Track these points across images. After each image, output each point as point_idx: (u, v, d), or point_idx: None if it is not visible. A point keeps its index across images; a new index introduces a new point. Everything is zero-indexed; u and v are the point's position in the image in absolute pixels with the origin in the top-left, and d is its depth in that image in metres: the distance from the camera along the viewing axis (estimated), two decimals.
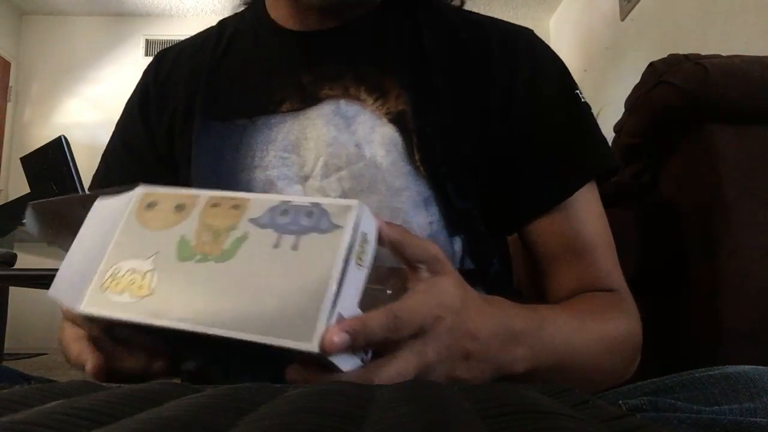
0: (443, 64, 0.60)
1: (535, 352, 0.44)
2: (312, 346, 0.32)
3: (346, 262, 0.34)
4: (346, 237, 0.34)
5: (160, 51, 0.73)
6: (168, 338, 0.37)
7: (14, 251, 2.45)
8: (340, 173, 0.57)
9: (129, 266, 0.38)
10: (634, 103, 1.13)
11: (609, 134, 1.31)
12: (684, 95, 1.01)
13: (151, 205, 0.41)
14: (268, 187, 0.59)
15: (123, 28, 5.44)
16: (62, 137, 1.79)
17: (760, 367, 0.38)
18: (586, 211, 0.58)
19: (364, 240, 0.35)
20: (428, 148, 0.57)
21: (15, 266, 2.46)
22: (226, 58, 0.67)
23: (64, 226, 0.46)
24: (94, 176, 0.74)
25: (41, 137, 4.23)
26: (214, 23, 0.71)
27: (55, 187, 1.74)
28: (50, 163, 1.79)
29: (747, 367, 0.38)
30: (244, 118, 0.62)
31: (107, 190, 0.45)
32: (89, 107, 5.37)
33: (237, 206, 0.38)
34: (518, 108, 0.59)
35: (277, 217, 0.36)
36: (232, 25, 0.69)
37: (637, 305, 0.59)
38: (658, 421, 0.35)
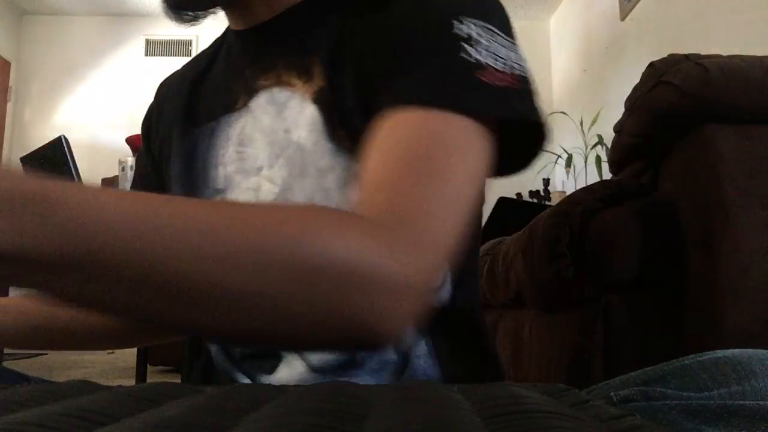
0: (359, 42, 0.57)
1: (23, 227, 0.31)
2: None
3: None
4: None
5: (167, 77, 0.78)
6: None
7: None
8: (279, 161, 0.59)
9: None
10: (634, 103, 1.13)
11: (609, 134, 1.31)
12: (684, 95, 1.01)
13: None
14: (229, 182, 0.62)
15: (123, 28, 5.44)
16: (62, 137, 1.79)
17: (748, 349, 0.38)
18: (400, 133, 0.47)
19: None
20: (350, 124, 0.55)
21: None
22: (209, 70, 0.70)
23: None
24: None
25: (41, 137, 4.22)
26: (213, 23, 0.73)
27: None
28: (50, 163, 1.78)
29: (736, 351, 0.38)
30: (213, 121, 0.65)
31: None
32: (89, 107, 5.37)
33: None
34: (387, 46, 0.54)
35: None
36: (219, 40, 0.73)
37: (637, 304, 0.57)
38: (648, 410, 0.36)
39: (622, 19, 4.12)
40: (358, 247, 0.38)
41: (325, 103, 0.57)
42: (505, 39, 0.53)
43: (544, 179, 4.80)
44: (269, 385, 0.31)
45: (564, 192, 4.62)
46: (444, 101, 0.48)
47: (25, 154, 2.03)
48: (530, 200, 4.59)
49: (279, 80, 0.60)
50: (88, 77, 5.42)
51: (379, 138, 0.47)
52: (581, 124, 4.48)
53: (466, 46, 0.50)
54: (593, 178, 4.06)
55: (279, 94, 0.60)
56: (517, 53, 0.53)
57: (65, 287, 0.33)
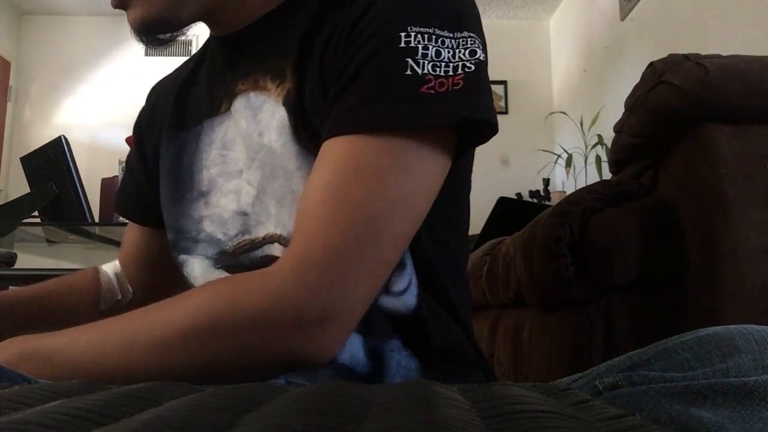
0: (318, 46, 0.57)
1: (42, 370, 0.47)
2: None
3: None
4: None
5: (159, 81, 0.81)
6: None
7: (14, 251, 2.45)
8: (254, 164, 0.60)
9: None
10: (634, 103, 1.13)
11: (609, 134, 1.31)
12: (684, 95, 1.01)
13: None
14: (212, 185, 0.63)
15: (123, 28, 5.40)
16: (62, 137, 1.79)
17: (730, 326, 0.38)
18: (330, 166, 0.50)
19: None
20: (310, 124, 0.56)
21: (15, 266, 2.46)
22: (197, 74, 0.72)
23: None
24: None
25: (41, 137, 4.23)
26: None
27: (55, 187, 1.74)
28: (50, 163, 1.78)
29: (718, 328, 0.38)
30: (198, 125, 0.66)
31: None
32: (89, 107, 5.37)
33: None
34: (340, 56, 0.54)
35: None
36: (206, 44, 0.74)
37: (637, 304, 0.57)
38: (633, 396, 0.35)
39: (622, 19, 4.12)
40: (261, 302, 0.46)
41: (292, 105, 0.58)
42: (449, 37, 0.52)
43: (544, 179, 4.80)
44: (269, 385, 0.31)
45: (564, 192, 4.62)
46: (384, 124, 0.50)
47: (25, 154, 2.03)
48: (530, 200, 4.59)
49: (256, 85, 0.61)
50: (88, 77, 5.42)
51: (316, 166, 0.51)
52: (581, 124, 4.48)
53: (411, 62, 0.50)
54: (593, 178, 4.06)
55: (255, 98, 0.61)
56: (461, 48, 0.52)
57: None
